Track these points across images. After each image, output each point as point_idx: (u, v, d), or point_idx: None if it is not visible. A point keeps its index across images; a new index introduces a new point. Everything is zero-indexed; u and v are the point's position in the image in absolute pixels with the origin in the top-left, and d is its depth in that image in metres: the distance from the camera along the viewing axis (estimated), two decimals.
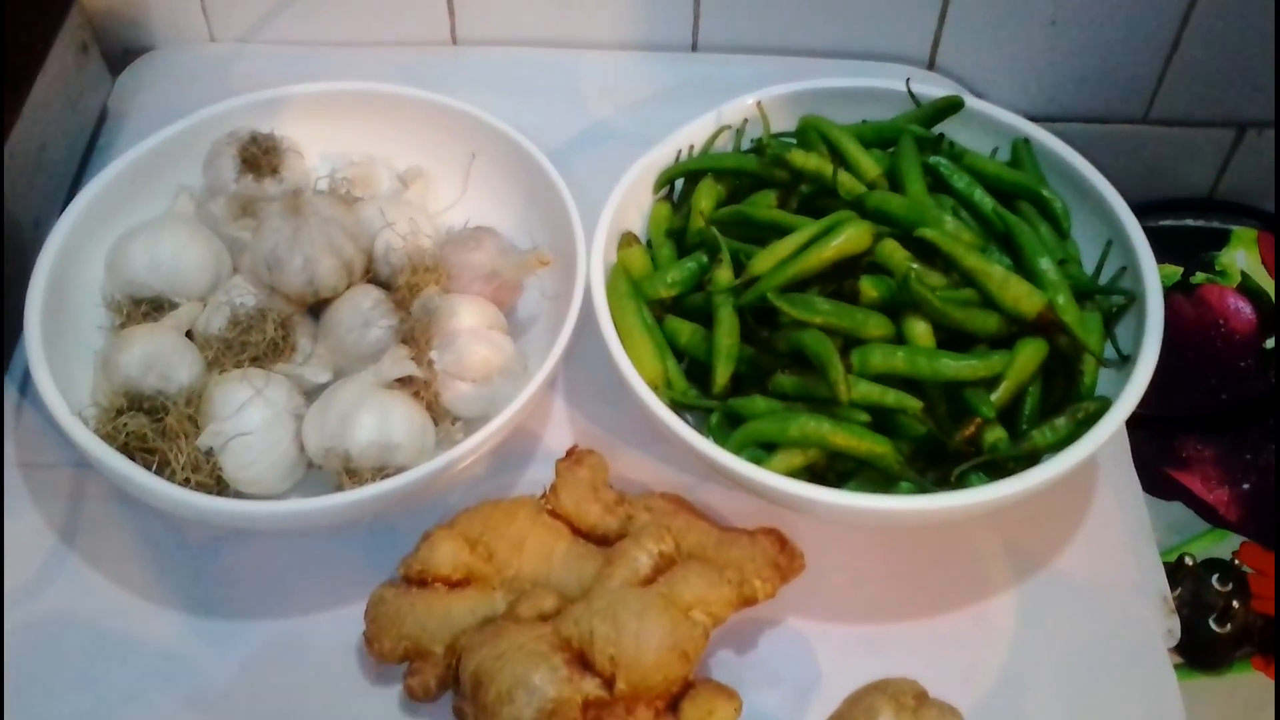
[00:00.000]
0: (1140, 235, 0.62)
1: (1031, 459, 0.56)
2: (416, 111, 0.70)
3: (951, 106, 0.66)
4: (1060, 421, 0.56)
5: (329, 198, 0.63)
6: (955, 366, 0.55)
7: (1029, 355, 0.57)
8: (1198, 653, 0.69)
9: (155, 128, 0.68)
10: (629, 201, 0.66)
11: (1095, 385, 0.58)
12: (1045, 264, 0.59)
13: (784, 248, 0.59)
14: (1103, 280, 0.62)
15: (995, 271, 0.57)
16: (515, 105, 0.76)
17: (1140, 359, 0.57)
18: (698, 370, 0.61)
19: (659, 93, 0.82)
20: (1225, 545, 0.74)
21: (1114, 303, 0.61)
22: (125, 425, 0.57)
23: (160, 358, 0.59)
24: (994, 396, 0.56)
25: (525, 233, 0.68)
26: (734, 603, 0.53)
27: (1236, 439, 0.79)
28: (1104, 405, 0.56)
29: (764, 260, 0.59)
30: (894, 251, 0.58)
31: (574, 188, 0.67)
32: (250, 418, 0.57)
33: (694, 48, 0.85)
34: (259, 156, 0.66)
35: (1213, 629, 0.69)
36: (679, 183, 0.68)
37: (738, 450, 0.56)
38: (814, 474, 0.58)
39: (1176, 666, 0.66)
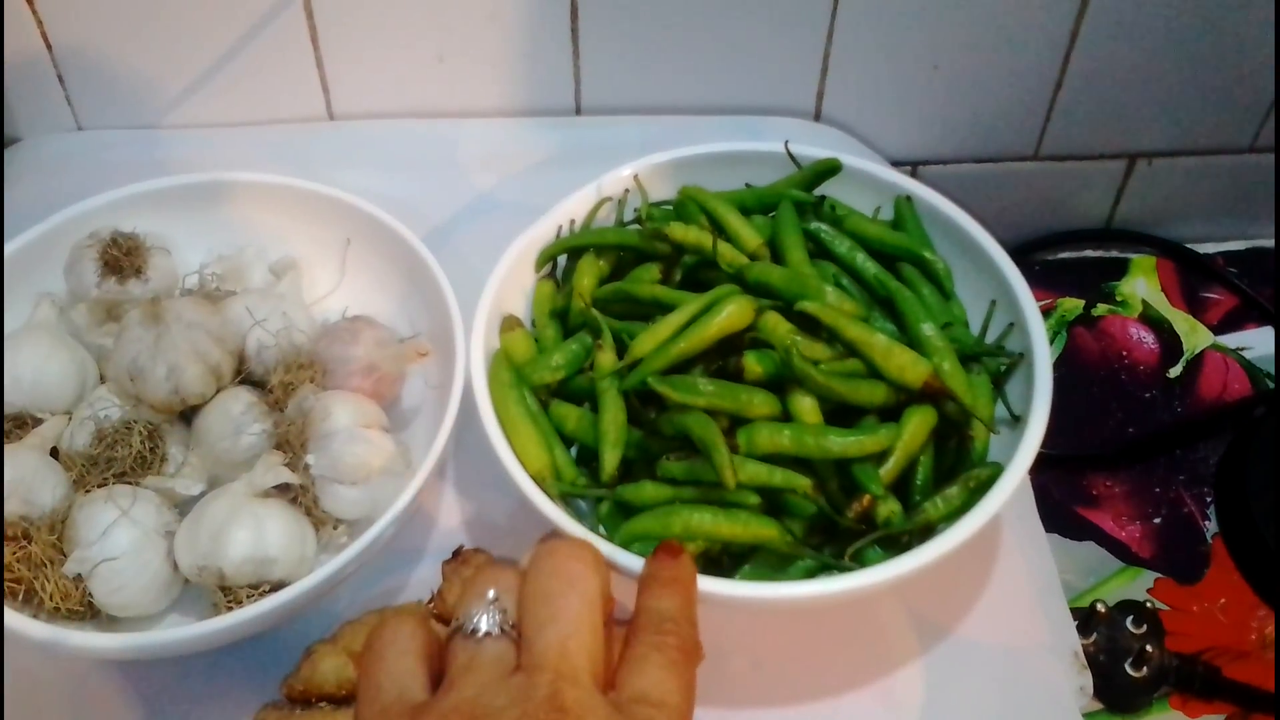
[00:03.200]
0: (1026, 291, 0.61)
1: (927, 531, 0.55)
2: (287, 198, 0.68)
3: (830, 169, 0.65)
4: (953, 491, 0.55)
5: (191, 300, 0.61)
6: (842, 443, 0.54)
7: (917, 426, 0.56)
8: (1115, 697, 0.68)
9: (21, 224, 0.66)
10: (510, 282, 0.64)
11: (987, 450, 0.57)
12: (929, 330, 0.58)
13: (665, 328, 0.57)
14: (991, 337, 0.62)
15: (878, 341, 0.56)
16: (396, 180, 0.75)
17: (1031, 420, 0.56)
18: (588, 455, 0.60)
19: (544, 159, 0.81)
20: (1139, 584, 0.73)
21: (1002, 362, 0.60)
22: None
23: (22, 481, 0.57)
24: (884, 469, 0.55)
25: (405, 318, 0.66)
26: None
27: (1145, 472, 0.79)
28: (996, 471, 0.55)
29: (645, 342, 0.57)
30: (777, 325, 0.57)
31: (459, 264, 0.65)
32: (117, 541, 0.55)
33: (578, 111, 0.83)
34: (121, 258, 0.64)
35: (1129, 673, 0.68)
36: (562, 259, 0.67)
37: (627, 543, 0.54)
38: (709, 559, 0.56)
39: (1095, 713, 0.66)
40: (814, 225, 0.63)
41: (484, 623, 0.40)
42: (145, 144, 0.81)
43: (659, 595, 0.45)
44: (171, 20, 0.77)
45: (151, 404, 0.59)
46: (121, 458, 0.58)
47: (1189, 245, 0.91)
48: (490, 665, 0.39)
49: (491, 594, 0.41)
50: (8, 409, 0.60)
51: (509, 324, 0.63)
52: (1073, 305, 0.88)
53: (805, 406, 0.56)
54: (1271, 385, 0.83)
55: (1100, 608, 0.69)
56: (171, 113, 0.81)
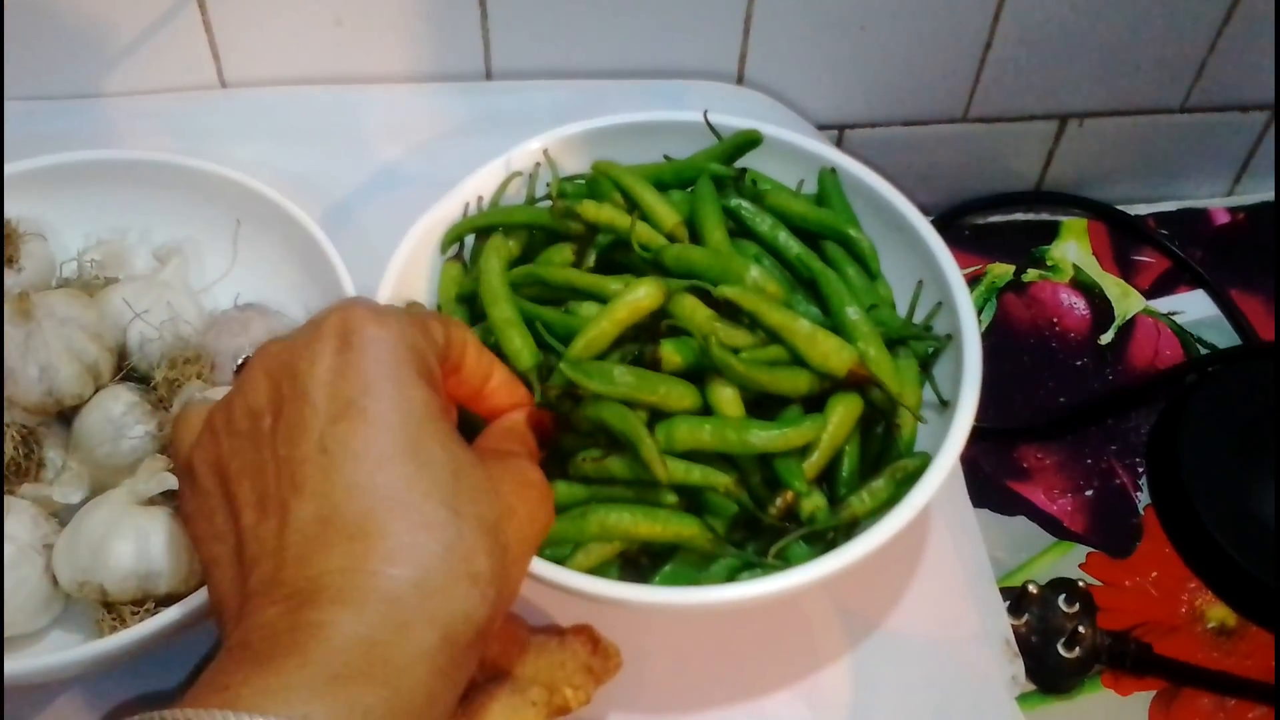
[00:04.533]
0: (954, 268, 0.58)
1: (853, 526, 0.53)
2: (173, 177, 0.64)
3: (751, 142, 0.62)
4: (878, 484, 0.53)
5: (65, 294, 0.56)
6: (765, 438, 0.51)
7: (842, 416, 0.53)
8: (1048, 678, 0.67)
9: None
10: (414, 264, 0.60)
11: (914, 438, 0.55)
12: (854, 313, 0.55)
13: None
14: (919, 317, 0.59)
15: (802, 327, 0.53)
16: (293, 152, 0.71)
17: (959, 407, 0.54)
18: None
19: (452, 128, 0.76)
20: (1071, 558, 0.72)
21: (930, 345, 0.58)
22: None
23: None
24: (808, 463, 0.52)
25: (301, 306, 0.62)
26: None
27: (1077, 443, 0.77)
28: (924, 462, 0.53)
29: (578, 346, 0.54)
30: (694, 311, 0.54)
31: (361, 243, 0.61)
32: None
33: (488, 75, 0.79)
34: None
35: (1061, 654, 0.67)
36: (470, 239, 0.63)
37: (540, 549, 0.51)
38: (627, 559, 0.54)
39: (1027, 695, 0.65)
40: (734, 202, 0.60)
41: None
42: (18, 118, 0.75)
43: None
44: None
45: (24, 406, 0.55)
46: None
47: (1120, 207, 0.90)
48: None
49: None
50: None
51: (412, 310, 0.59)
52: (1002, 271, 0.86)
53: (726, 397, 0.53)
54: (1202, 351, 0.82)
55: (1032, 588, 0.68)
56: (47, 83, 0.75)
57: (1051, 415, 0.79)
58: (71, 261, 0.61)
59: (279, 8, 0.74)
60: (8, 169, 0.63)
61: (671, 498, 0.52)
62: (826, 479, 0.54)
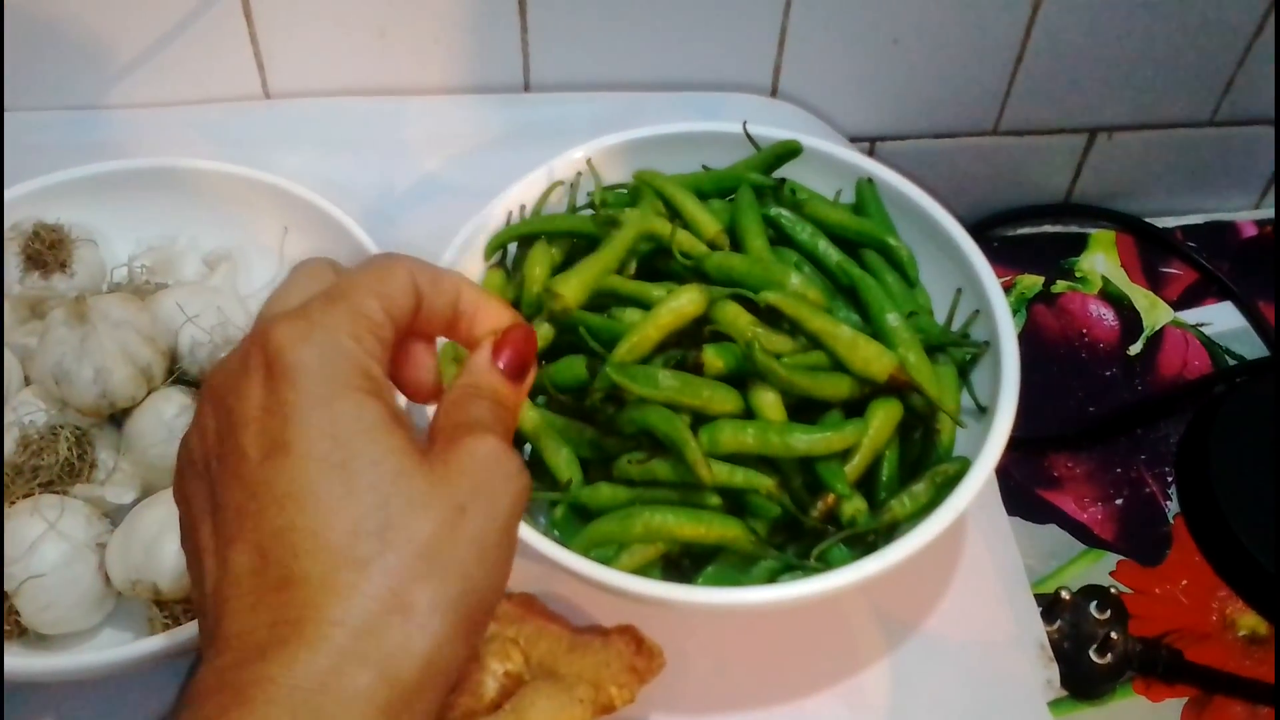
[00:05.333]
0: (991, 277, 0.59)
1: (893, 529, 0.53)
2: (221, 185, 0.65)
3: (790, 152, 0.63)
4: (919, 488, 0.54)
5: (119, 297, 0.57)
6: (807, 441, 0.52)
7: (883, 421, 0.54)
8: (1080, 684, 0.67)
9: None
10: (458, 271, 0.61)
11: (954, 443, 0.56)
12: (894, 320, 0.56)
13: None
14: (957, 324, 0.60)
15: (843, 333, 0.54)
16: (336, 161, 0.72)
17: (998, 413, 0.55)
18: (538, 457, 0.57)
19: (492, 139, 0.78)
20: (1102, 566, 0.73)
21: (968, 352, 0.58)
22: None
23: None
24: (849, 466, 0.53)
25: None
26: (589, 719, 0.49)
27: (1106, 453, 0.78)
28: (964, 466, 0.54)
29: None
30: (736, 317, 0.55)
31: (404, 250, 0.61)
32: (45, 556, 0.52)
33: (526, 88, 0.80)
34: (44, 251, 0.60)
35: (1093, 660, 0.67)
36: (512, 247, 0.64)
37: (585, 549, 0.52)
38: (670, 560, 0.55)
39: (1059, 700, 0.65)
40: (774, 210, 0.61)
41: None
42: (70, 127, 0.76)
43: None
44: None
45: (79, 408, 0.56)
46: (48, 465, 0.55)
47: (1148, 220, 0.90)
48: None
49: None
50: None
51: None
52: (1032, 282, 0.87)
53: (768, 402, 0.54)
54: (1230, 361, 0.82)
55: (1064, 595, 0.68)
56: (98, 94, 0.77)
57: (1081, 425, 0.79)
58: (122, 267, 0.63)
59: (323, 20, 0.75)
60: (58, 176, 0.64)
61: (715, 500, 0.53)
62: (866, 483, 0.55)
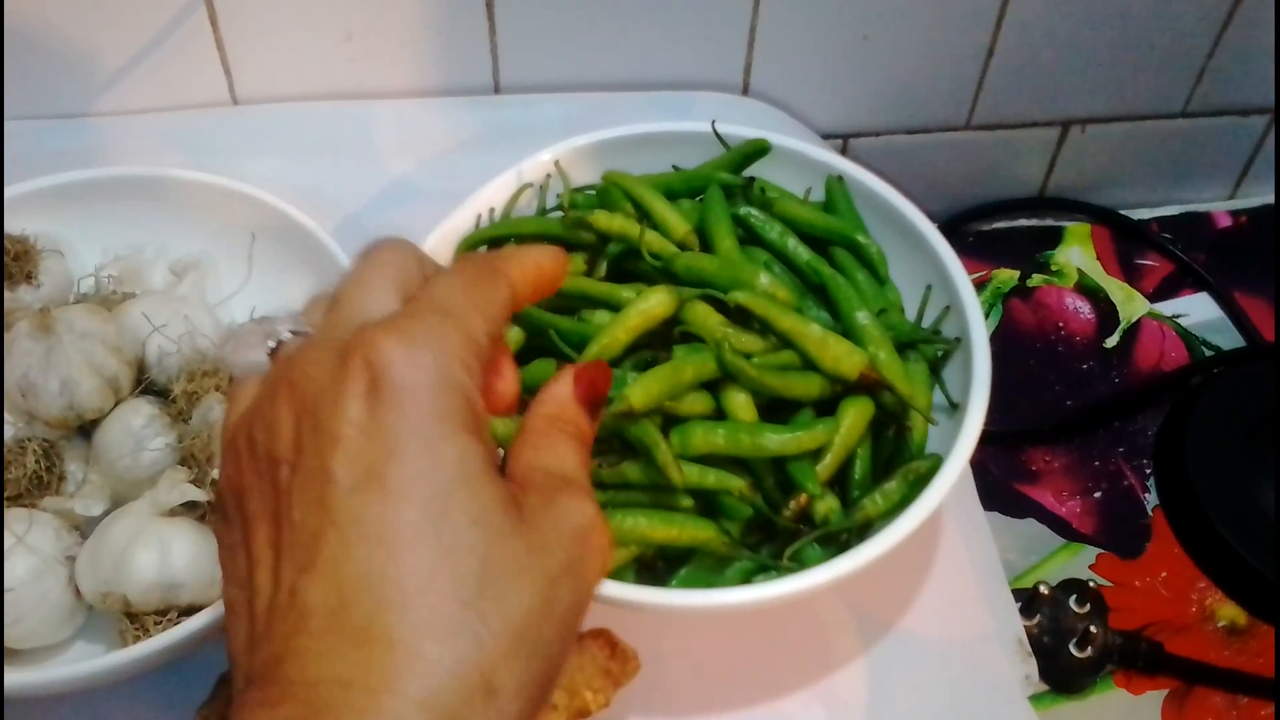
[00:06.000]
0: (961, 273, 0.59)
1: (866, 528, 0.53)
2: (188, 193, 0.64)
3: (759, 151, 0.63)
4: (891, 486, 0.53)
5: (85, 308, 0.57)
6: (779, 441, 0.52)
7: (854, 419, 0.54)
8: (1060, 678, 0.67)
9: None
10: None
11: (926, 440, 0.56)
12: (864, 318, 0.56)
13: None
14: (927, 321, 0.60)
15: (813, 332, 0.54)
16: (305, 167, 0.71)
17: (970, 408, 0.54)
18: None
19: (462, 141, 0.77)
20: (1081, 559, 0.73)
21: (939, 348, 0.58)
22: None
23: None
24: (821, 466, 0.53)
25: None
26: None
27: (1084, 446, 0.78)
28: (936, 463, 0.53)
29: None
30: (706, 317, 0.55)
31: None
32: (13, 570, 0.51)
33: (496, 90, 0.80)
34: (9, 263, 0.60)
35: (1073, 654, 0.67)
36: (482, 250, 0.64)
37: None
38: (643, 565, 0.54)
39: (1040, 695, 0.65)
40: (744, 210, 0.61)
41: (284, 330, 0.38)
42: (33, 137, 0.76)
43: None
44: (60, 2, 0.72)
45: (46, 420, 0.56)
46: (16, 479, 0.54)
47: (1123, 212, 0.90)
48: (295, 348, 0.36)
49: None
50: None
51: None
52: (1008, 276, 0.87)
53: (739, 403, 0.53)
54: (1207, 353, 0.83)
55: (1043, 589, 0.68)
56: (60, 102, 0.76)
57: (1059, 418, 0.79)
58: (89, 278, 0.62)
59: (290, 24, 0.75)
60: (23, 187, 0.64)
61: (687, 502, 0.52)
62: (839, 482, 0.55)
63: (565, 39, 0.78)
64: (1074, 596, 0.70)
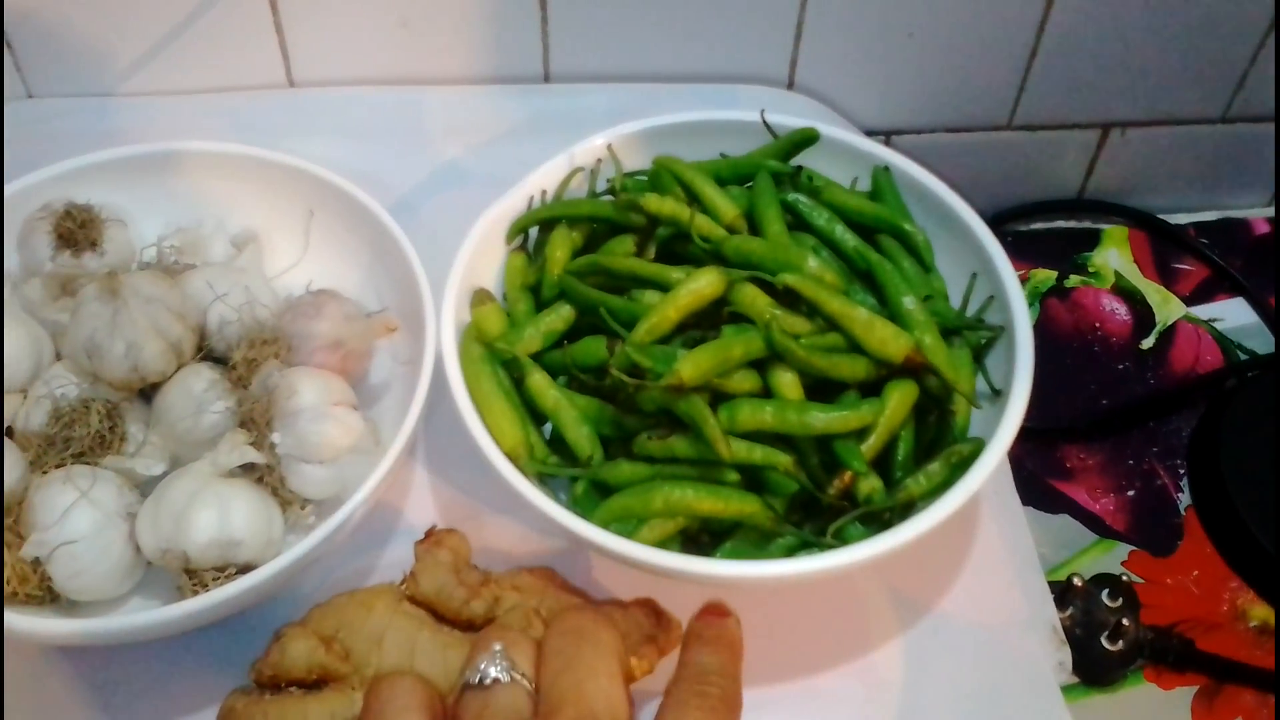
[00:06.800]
0: (1006, 263, 0.60)
1: (908, 507, 0.54)
2: (247, 168, 0.66)
3: (807, 139, 0.64)
4: (934, 467, 0.54)
5: (150, 274, 0.58)
6: (825, 419, 0.53)
7: (899, 401, 0.55)
8: (1091, 671, 0.68)
9: None
10: (480, 255, 0.62)
11: (968, 425, 0.57)
12: (910, 303, 0.57)
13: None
14: (971, 309, 0.61)
15: (859, 315, 0.55)
16: (359, 149, 0.73)
17: (1012, 395, 0.55)
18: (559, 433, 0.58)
19: (511, 128, 0.79)
20: (1113, 556, 0.73)
21: (983, 336, 0.59)
22: None
23: None
24: (866, 445, 0.54)
25: (373, 292, 0.64)
26: None
27: (1119, 445, 0.78)
28: (978, 447, 0.54)
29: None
30: (755, 299, 0.56)
31: (425, 236, 0.63)
32: (76, 524, 0.53)
33: (546, 78, 0.81)
34: (75, 230, 0.61)
35: (1105, 647, 0.68)
36: (533, 231, 0.65)
37: (605, 523, 0.53)
38: (688, 536, 0.55)
39: (1071, 687, 0.66)
40: (792, 196, 0.62)
41: (493, 670, 0.40)
42: (98, 112, 0.78)
43: (703, 651, 0.43)
44: None
45: (110, 382, 0.57)
46: (79, 437, 0.56)
47: (1161, 216, 0.91)
48: (504, 712, 0.38)
49: (498, 646, 0.40)
50: None
51: (480, 298, 0.61)
52: (1045, 276, 0.87)
53: (786, 381, 0.55)
54: (1242, 357, 0.83)
55: (1076, 581, 0.69)
56: (125, 80, 0.78)
57: (1094, 417, 0.80)
58: (151, 248, 0.64)
59: (347, 9, 0.76)
60: (88, 159, 0.65)
61: (733, 476, 0.54)
62: (882, 463, 0.56)
63: (615, 30, 0.79)
64: (1106, 590, 0.70)
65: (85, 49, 0.77)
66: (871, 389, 0.56)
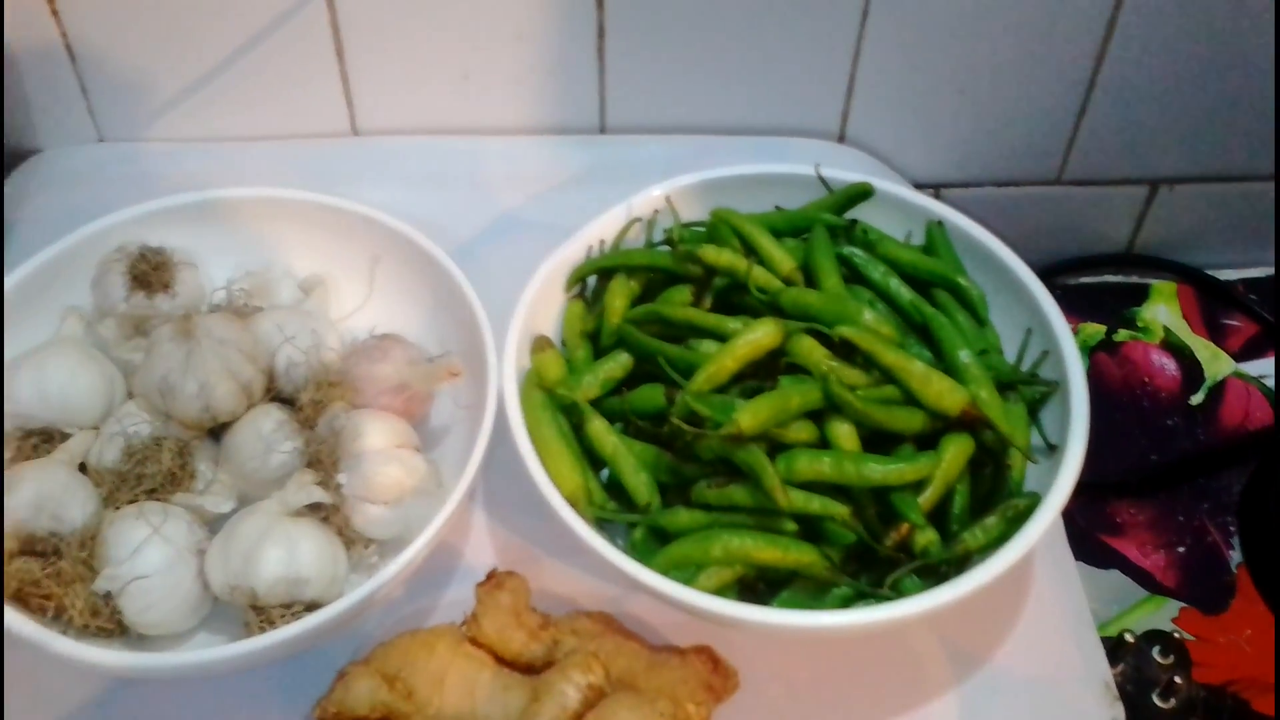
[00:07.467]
0: (1060, 318, 0.61)
1: (964, 560, 0.54)
2: (314, 215, 0.68)
3: (862, 194, 0.65)
4: (991, 521, 0.55)
5: (222, 317, 0.60)
6: (882, 471, 0.54)
7: (955, 454, 0.55)
8: None
9: (44, 236, 0.65)
10: (540, 302, 0.64)
11: (1024, 479, 0.57)
12: (966, 357, 0.57)
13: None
14: (1026, 364, 0.61)
15: (916, 368, 0.56)
16: (420, 197, 0.74)
17: (1068, 450, 0.56)
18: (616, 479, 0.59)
19: (569, 178, 0.80)
20: (1164, 612, 0.73)
21: (1038, 391, 0.60)
22: (18, 572, 0.54)
23: (51, 497, 0.56)
24: (923, 498, 0.54)
25: (435, 336, 0.65)
26: None
27: (1169, 500, 0.78)
28: (1034, 501, 0.55)
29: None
30: (812, 350, 0.57)
31: (485, 282, 0.64)
32: (148, 559, 0.54)
33: (602, 129, 0.83)
34: (149, 273, 0.63)
35: (1157, 704, 0.68)
36: (592, 280, 0.66)
37: (665, 570, 0.54)
38: (745, 585, 0.56)
39: None
40: (847, 250, 0.63)
41: None
42: (167, 157, 0.80)
43: None
44: (196, 33, 0.76)
45: (182, 420, 0.58)
46: (151, 474, 0.57)
47: (1209, 272, 0.91)
48: None
49: None
50: (34, 423, 0.59)
51: (540, 344, 0.62)
52: (1094, 331, 0.88)
53: (843, 432, 0.55)
54: None
55: (1128, 637, 0.69)
56: (194, 126, 0.81)
57: (1144, 472, 0.80)
58: (220, 290, 0.65)
59: (411, 61, 0.79)
60: (161, 203, 0.67)
61: (790, 526, 0.54)
62: (938, 516, 0.56)
63: (671, 83, 0.81)
64: (1158, 647, 0.70)
65: (157, 95, 0.80)
66: (927, 442, 0.56)
